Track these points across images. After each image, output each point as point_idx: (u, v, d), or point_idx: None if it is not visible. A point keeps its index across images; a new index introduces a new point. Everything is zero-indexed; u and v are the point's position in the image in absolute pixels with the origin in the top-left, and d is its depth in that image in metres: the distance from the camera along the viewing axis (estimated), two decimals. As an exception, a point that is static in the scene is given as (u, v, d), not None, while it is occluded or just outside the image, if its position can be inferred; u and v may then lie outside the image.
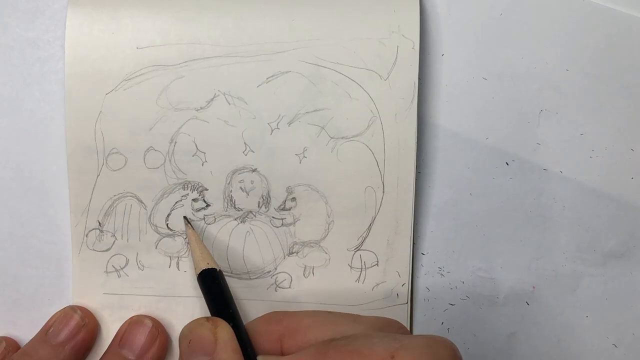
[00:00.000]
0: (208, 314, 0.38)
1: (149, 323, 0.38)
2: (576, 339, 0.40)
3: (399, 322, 0.33)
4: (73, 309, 0.38)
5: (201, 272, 0.35)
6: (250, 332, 0.33)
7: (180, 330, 0.34)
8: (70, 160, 0.37)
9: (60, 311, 0.38)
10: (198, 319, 0.33)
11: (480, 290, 0.39)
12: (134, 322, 0.38)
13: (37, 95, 0.38)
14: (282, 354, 0.32)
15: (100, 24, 0.37)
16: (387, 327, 0.32)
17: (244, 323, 0.33)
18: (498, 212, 0.39)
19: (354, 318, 0.32)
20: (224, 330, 0.32)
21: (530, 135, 0.39)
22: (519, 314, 0.39)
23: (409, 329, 0.39)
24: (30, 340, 0.37)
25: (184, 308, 0.38)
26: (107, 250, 0.38)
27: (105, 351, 0.37)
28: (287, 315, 0.33)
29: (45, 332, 0.37)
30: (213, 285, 0.34)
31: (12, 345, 0.38)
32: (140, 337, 0.37)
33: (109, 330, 0.38)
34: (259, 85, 0.38)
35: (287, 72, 0.37)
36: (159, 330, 0.38)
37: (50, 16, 0.38)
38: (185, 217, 0.38)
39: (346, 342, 0.29)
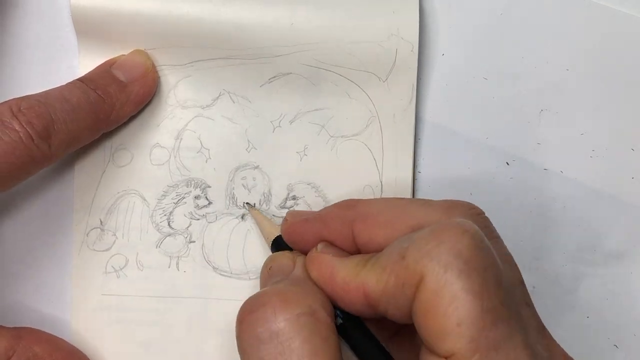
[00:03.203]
0: (205, 313, 0.39)
1: (149, 63, 0.38)
2: (577, 340, 0.40)
3: (470, 203, 0.31)
4: None
5: (274, 239, 0.37)
6: (323, 216, 0.33)
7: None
8: (77, 156, 0.39)
9: None
10: (281, 251, 0.35)
11: (480, 289, 0.40)
12: (135, 53, 0.38)
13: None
14: (353, 237, 0.32)
15: (106, 27, 0.38)
16: (457, 209, 0.31)
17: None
18: (498, 212, 0.39)
19: (424, 202, 0.31)
20: (303, 257, 0.33)
21: (530, 135, 0.40)
22: (519, 314, 0.40)
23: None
24: None
25: (184, 309, 0.39)
26: (107, 250, 0.39)
27: (94, 69, 0.38)
28: (360, 201, 0.33)
29: None
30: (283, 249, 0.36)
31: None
32: (138, 67, 0.38)
33: (107, 333, 0.39)
34: (262, 85, 0.39)
35: (288, 74, 0.39)
36: (154, 69, 0.39)
37: (51, 17, 0.39)
38: (246, 202, 0.39)
39: (375, 260, 0.29)
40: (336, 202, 0.34)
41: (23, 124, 0.32)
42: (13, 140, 0.32)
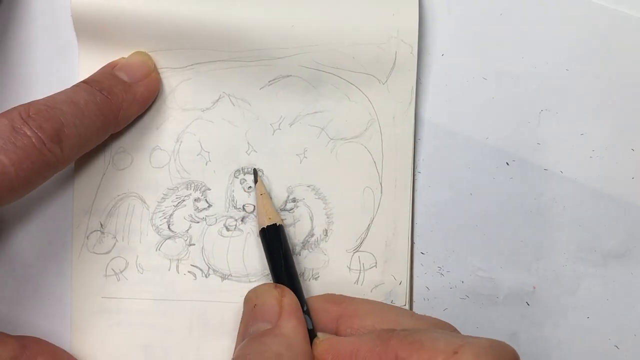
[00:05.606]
0: (205, 316, 0.39)
1: (151, 63, 0.39)
2: (577, 340, 0.40)
3: (452, 325, 0.33)
4: None
5: (262, 229, 0.37)
6: (308, 307, 0.34)
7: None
8: (77, 159, 0.39)
9: None
10: (266, 284, 0.35)
11: (480, 290, 0.40)
12: (136, 54, 0.39)
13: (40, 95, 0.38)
14: (336, 334, 0.32)
15: (106, 28, 0.38)
16: (442, 327, 0.32)
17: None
18: (498, 212, 0.40)
19: (411, 314, 0.33)
20: (291, 300, 0.33)
21: (530, 135, 0.40)
22: (519, 315, 0.40)
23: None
24: None
25: (183, 312, 0.39)
26: (107, 252, 0.39)
27: (97, 71, 0.38)
28: (345, 298, 0.34)
29: None
30: (273, 241, 0.37)
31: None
32: (140, 68, 0.38)
33: (107, 336, 0.39)
34: (262, 87, 0.40)
35: (288, 76, 0.39)
36: (157, 69, 0.39)
37: (51, 17, 0.39)
38: (255, 169, 0.40)
39: (407, 334, 0.29)
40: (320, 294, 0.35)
41: (34, 128, 0.33)
42: (26, 145, 0.32)
